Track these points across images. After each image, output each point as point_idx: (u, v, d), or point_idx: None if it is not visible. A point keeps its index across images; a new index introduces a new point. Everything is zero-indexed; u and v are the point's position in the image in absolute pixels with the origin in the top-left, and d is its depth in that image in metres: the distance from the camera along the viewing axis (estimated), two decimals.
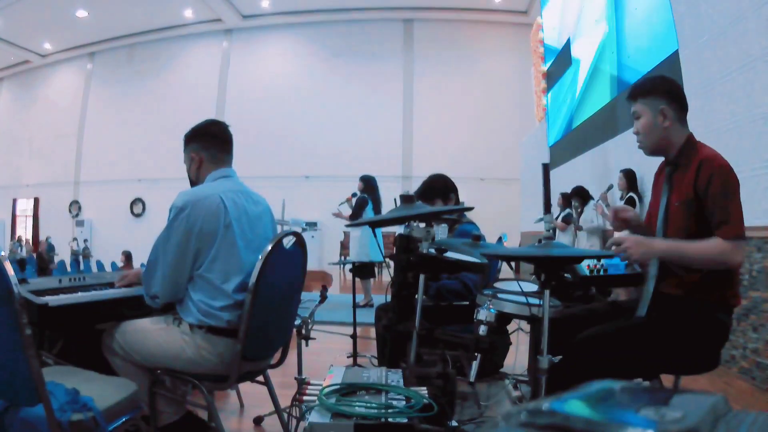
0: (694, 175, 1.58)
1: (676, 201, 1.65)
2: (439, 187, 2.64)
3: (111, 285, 2.01)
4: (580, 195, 5.89)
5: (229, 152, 1.94)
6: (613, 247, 1.56)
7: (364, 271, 5.84)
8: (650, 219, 1.81)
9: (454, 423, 1.47)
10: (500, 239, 3.14)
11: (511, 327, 2.43)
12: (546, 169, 1.57)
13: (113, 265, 11.24)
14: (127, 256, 8.63)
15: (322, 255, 13.11)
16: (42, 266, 12.72)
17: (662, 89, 1.69)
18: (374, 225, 4.16)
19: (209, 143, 1.91)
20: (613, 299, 3.17)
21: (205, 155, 1.89)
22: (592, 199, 5.74)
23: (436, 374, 1.53)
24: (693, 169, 1.60)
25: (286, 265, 1.85)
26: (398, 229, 1.85)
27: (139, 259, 8.68)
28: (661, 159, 1.81)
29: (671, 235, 1.64)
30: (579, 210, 5.90)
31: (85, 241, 15.56)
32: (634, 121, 1.73)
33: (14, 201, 17.36)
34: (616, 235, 1.60)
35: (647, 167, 4.79)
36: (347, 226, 6.18)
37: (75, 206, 16.45)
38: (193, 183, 1.94)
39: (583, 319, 1.77)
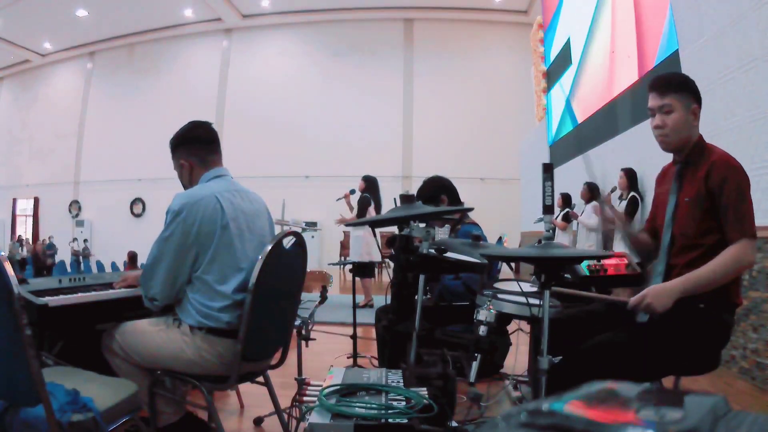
0: (705, 173, 1.61)
1: (686, 197, 1.67)
2: (429, 192, 2.65)
3: (111, 285, 2.01)
4: (591, 190, 5.88)
5: (217, 152, 1.92)
6: (637, 307, 1.55)
7: (364, 270, 5.83)
8: (656, 213, 1.83)
9: (454, 423, 1.47)
10: (500, 239, 3.14)
11: (511, 327, 2.43)
12: (550, 168, 1.55)
13: (113, 265, 11.25)
14: (132, 257, 8.59)
15: (322, 255, 13.10)
16: (39, 266, 12.71)
17: (693, 89, 1.69)
18: (374, 225, 4.15)
19: (195, 148, 1.88)
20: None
21: (194, 160, 1.88)
22: (596, 199, 5.74)
23: (436, 375, 1.52)
24: (704, 168, 1.62)
25: (286, 266, 1.85)
26: (395, 230, 1.84)
27: (143, 260, 8.66)
28: (666, 157, 1.81)
29: (679, 230, 1.66)
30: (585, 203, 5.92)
31: (85, 241, 15.56)
32: (660, 115, 1.68)
33: (14, 201, 17.36)
34: (632, 299, 1.58)
35: (647, 166, 4.79)
36: (346, 225, 6.21)
37: (75, 206, 16.45)
38: (186, 188, 1.92)
39: (584, 320, 1.77)
